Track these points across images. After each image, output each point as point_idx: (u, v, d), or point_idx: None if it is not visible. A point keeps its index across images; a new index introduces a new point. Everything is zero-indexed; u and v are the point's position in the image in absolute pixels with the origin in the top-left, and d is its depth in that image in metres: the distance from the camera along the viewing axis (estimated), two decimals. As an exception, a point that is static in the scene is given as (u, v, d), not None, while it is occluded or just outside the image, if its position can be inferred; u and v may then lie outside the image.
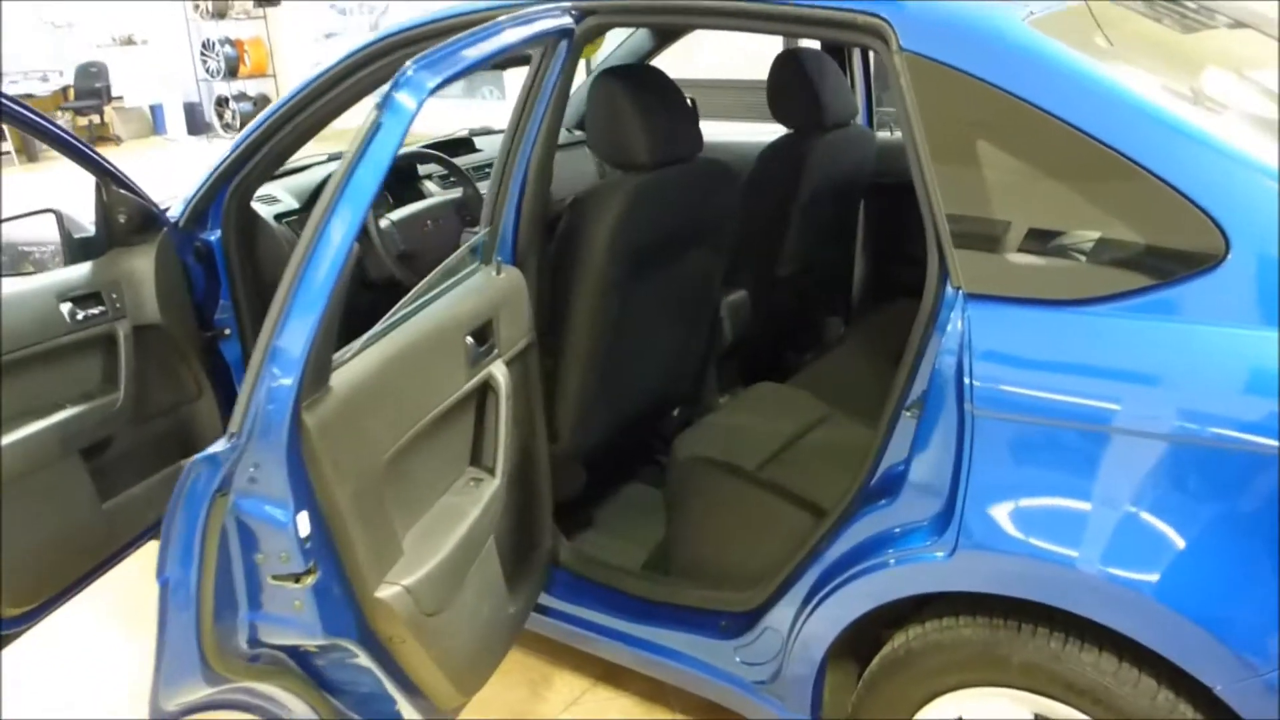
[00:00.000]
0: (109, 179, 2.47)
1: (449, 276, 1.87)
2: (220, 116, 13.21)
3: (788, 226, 2.93)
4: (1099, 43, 1.76)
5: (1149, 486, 1.43)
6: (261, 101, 12.89)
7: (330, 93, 2.42)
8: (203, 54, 13.25)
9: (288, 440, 1.41)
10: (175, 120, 13.56)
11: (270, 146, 2.56)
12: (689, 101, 3.87)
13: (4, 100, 2.11)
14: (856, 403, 2.55)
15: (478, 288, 1.90)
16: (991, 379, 1.53)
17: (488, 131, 3.88)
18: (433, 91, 1.48)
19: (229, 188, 2.67)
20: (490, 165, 3.41)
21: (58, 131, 2.33)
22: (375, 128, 1.42)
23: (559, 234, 2.29)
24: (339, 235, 1.40)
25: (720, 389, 2.97)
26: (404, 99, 1.44)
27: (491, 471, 1.86)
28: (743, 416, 2.44)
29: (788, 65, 2.84)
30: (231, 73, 13.07)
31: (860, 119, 3.42)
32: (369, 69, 2.29)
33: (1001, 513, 1.54)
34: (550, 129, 2.10)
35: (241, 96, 13.14)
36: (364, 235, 2.91)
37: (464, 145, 3.55)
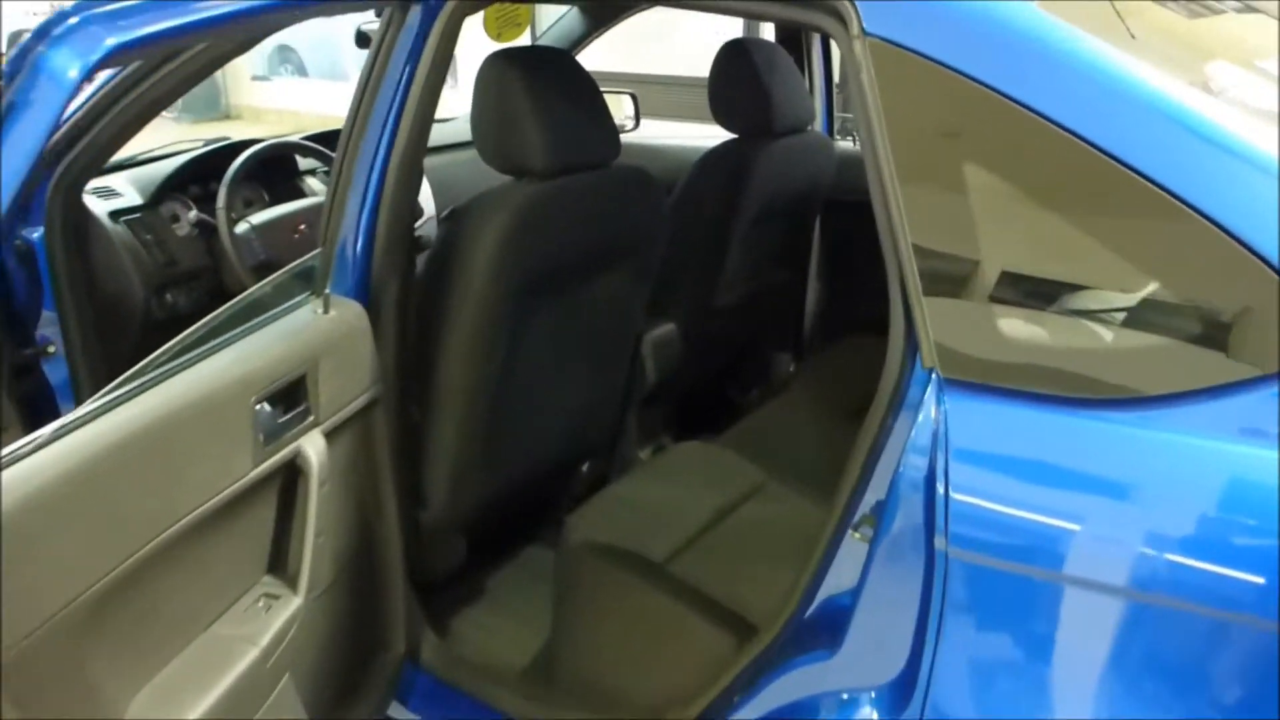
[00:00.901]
0: None
1: (244, 319, 1.39)
2: (160, 92, 12.55)
3: (728, 248, 2.47)
4: (1121, 32, 1.31)
5: (1210, 681, 0.98)
6: (205, 78, 12.27)
7: (173, 59, 1.97)
8: (143, 27, 12.60)
9: None
10: (114, 95, 12.92)
11: (101, 127, 2.08)
12: (630, 99, 3.47)
13: None
14: (801, 466, 2.11)
15: (288, 333, 1.42)
16: (977, 506, 1.07)
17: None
18: (113, 55, 0.97)
19: (53, 176, 2.19)
20: None
21: None
22: (7, 110, 0.92)
23: (430, 256, 1.82)
24: None
25: (642, 439, 2.50)
26: (61, 64, 0.94)
27: (294, 585, 1.38)
28: (655, 487, 1.98)
29: (733, 58, 2.39)
30: (173, 47, 12.42)
31: (819, 124, 2.97)
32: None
33: (984, 698, 1.08)
34: (417, 121, 1.64)
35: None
36: (215, 242, 2.43)
37: None
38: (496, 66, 1.78)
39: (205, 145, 2.71)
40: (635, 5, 2.43)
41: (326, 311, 1.51)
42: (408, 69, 1.57)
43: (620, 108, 3.36)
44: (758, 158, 2.39)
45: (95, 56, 0.96)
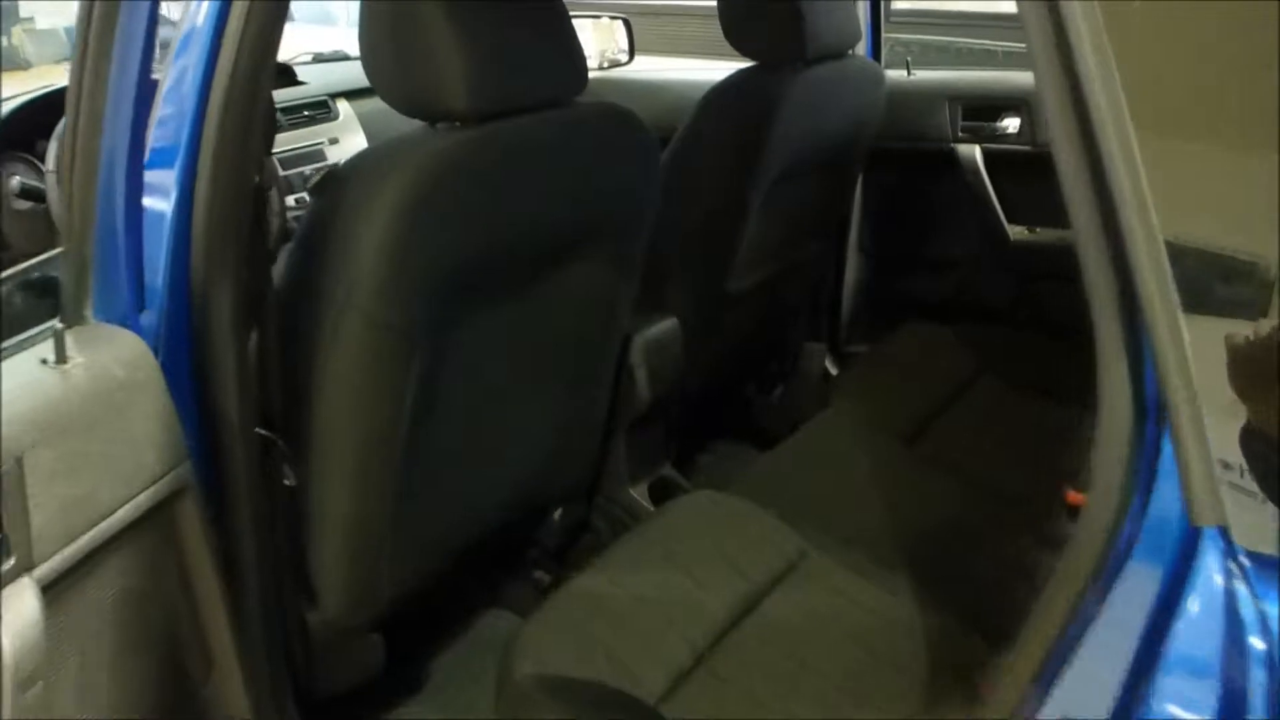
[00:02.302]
0: None
1: None
2: (140, 43, 12.03)
3: (745, 214, 1.87)
4: None
5: None
6: (186, 27, 11.74)
7: None
8: (120, -28, 12.00)
9: None
10: (93, 46, 12.42)
11: None
12: (623, 25, 2.86)
13: None
14: (849, 520, 1.55)
15: None
16: None
17: (342, 57, 2.75)
18: None
19: None
20: (318, 107, 2.33)
21: None
22: None
23: (296, 243, 1.23)
24: None
25: (634, 471, 1.90)
26: None
27: None
28: (641, 575, 1.37)
29: (751, -44, 1.78)
30: (151, -6, 11.86)
31: (863, 48, 2.33)
32: None
33: None
34: (256, 42, 1.06)
35: (163, 21, 11.91)
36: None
37: (282, 78, 2.41)
38: None
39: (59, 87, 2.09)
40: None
41: (61, 359, 0.90)
42: None
43: (612, 37, 2.78)
44: (784, 93, 1.81)
45: None
